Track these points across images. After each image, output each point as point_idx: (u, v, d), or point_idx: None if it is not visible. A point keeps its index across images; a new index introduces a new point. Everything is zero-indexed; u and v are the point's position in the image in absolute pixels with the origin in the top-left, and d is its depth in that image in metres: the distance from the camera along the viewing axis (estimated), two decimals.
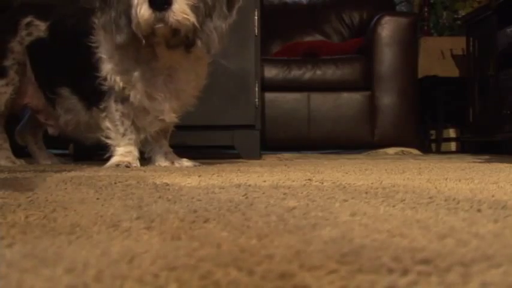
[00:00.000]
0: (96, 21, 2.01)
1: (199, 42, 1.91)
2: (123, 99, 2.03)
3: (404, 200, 0.95)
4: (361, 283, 0.43)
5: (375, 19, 4.26)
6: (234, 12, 1.97)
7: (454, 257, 0.50)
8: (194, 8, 1.82)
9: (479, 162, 2.55)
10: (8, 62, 2.29)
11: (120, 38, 1.90)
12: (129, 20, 1.85)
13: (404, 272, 0.46)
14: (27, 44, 2.27)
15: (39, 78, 2.28)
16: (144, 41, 1.86)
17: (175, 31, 1.83)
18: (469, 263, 0.48)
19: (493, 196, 1.00)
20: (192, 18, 1.81)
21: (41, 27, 2.25)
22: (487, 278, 0.44)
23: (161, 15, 1.78)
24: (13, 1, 2.63)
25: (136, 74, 1.98)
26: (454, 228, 0.66)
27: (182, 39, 1.89)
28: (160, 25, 1.80)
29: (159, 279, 0.44)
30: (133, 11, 1.81)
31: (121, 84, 2.00)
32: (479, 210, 0.82)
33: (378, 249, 0.53)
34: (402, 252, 0.52)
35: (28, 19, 2.28)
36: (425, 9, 5.34)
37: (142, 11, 1.78)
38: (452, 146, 5.12)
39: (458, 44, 4.83)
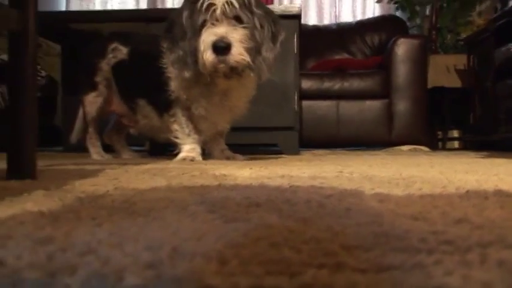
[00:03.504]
0: (165, 45, 2.01)
1: (250, 72, 1.89)
2: (187, 108, 2.04)
3: (421, 189, 0.91)
4: (394, 261, 0.40)
5: (392, 40, 4.21)
6: (278, 44, 1.94)
7: (472, 239, 0.47)
8: (248, 49, 1.81)
9: (480, 157, 2.47)
10: (98, 78, 2.34)
11: (187, 73, 1.89)
12: (194, 59, 1.85)
13: (430, 252, 0.43)
14: (112, 64, 2.31)
15: (121, 92, 2.31)
16: (209, 78, 1.87)
17: (233, 68, 1.83)
18: (486, 244, 0.45)
19: (496, 186, 0.95)
20: (247, 58, 1.81)
21: (123, 51, 2.29)
22: (502, 257, 0.41)
23: (223, 58, 1.79)
24: (102, 31, 2.66)
25: (196, 91, 1.99)
26: (468, 213, 0.63)
27: (239, 73, 1.87)
28: (222, 65, 1.80)
29: (222, 255, 0.42)
30: (200, 55, 1.81)
31: (185, 97, 2.01)
32: (486, 198, 0.78)
33: (405, 232, 0.50)
34: (427, 234, 0.49)
35: (114, 45, 2.31)
36: (433, 32, 5.21)
37: (208, 55, 1.79)
38: (456, 144, 5.01)
39: (461, 60, 4.70)
